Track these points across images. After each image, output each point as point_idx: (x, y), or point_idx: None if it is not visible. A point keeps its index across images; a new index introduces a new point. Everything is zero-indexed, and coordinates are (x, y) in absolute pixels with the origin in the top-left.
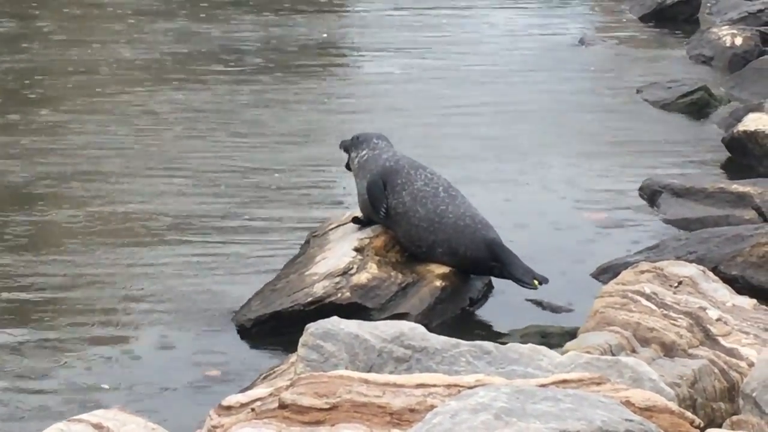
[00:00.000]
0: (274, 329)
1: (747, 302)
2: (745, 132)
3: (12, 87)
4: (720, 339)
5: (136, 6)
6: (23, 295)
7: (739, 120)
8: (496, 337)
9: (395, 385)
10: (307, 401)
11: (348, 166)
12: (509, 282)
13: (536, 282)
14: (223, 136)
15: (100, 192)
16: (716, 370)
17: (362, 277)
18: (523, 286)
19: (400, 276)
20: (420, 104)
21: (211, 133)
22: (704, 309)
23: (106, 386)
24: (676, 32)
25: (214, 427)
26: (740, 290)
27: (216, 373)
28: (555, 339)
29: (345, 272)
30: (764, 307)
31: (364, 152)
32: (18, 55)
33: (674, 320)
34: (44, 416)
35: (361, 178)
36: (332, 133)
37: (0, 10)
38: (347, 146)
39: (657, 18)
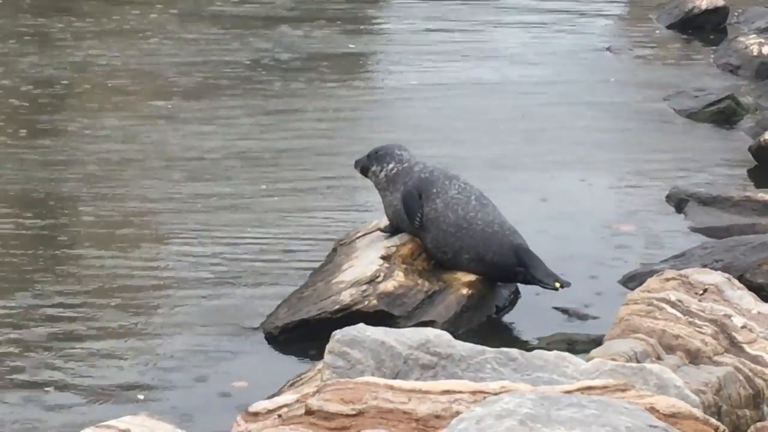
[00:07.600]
0: (301, 337)
1: None
2: None
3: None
4: (745, 346)
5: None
6: (50, 301)
7: (766, 128)
8: (522, 344)
9: (421, 391)
10: (333, 407)
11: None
12: (536, 290)
13: (558, 284)
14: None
15: (141, 194)
16: (741, 378)
17: (389, 285)
18: (545, 287)
19: (426, 284)
20: (441, 115)
21: (242, 137)
22: (729, 316)
23: (141, 396)
24: (704, 41)
25: None
26: (766, 298)
27: (243, 384)
28: (581, 346)
29: (372, 280)
30: None
31: (391, 165)
32: (67, 59)
33: (699, 327)
34: (71, 422)
35: (393, 190)
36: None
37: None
38: (366, 164)
39: (684, 27)
